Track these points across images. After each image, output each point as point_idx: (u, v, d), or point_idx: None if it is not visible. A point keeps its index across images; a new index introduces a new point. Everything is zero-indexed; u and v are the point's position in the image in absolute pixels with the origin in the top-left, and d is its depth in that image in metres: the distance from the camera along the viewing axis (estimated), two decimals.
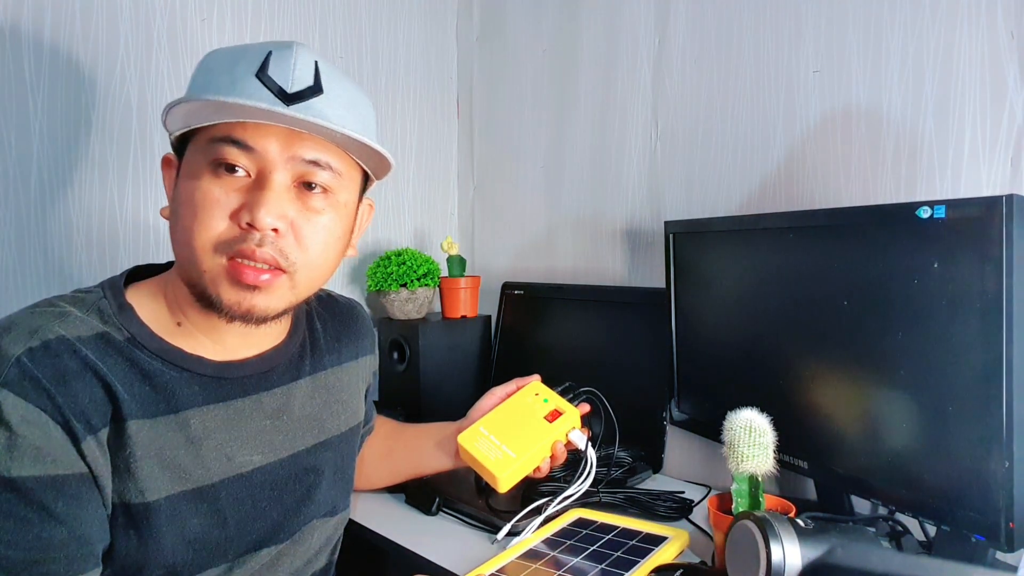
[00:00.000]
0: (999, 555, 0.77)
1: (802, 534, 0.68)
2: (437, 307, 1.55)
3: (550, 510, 0.95)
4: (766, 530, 0.67)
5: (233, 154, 0.67)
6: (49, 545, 0.60)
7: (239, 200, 0.67)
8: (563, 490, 0.95)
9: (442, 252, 1.52)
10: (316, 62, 0.69)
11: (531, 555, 0.86)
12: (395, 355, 1.46)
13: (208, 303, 0.69)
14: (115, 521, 0.66)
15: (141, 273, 0.77)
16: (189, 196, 0.67)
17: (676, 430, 1.17)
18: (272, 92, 0.66)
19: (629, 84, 1.35)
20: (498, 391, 1.00)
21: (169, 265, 0.77)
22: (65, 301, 0.69)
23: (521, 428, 0.93)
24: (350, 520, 1.01)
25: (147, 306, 0.72)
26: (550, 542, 0.90)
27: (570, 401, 0.97)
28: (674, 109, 1.28)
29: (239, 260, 0.66)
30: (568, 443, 0.94)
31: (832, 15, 1.05)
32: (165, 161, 0.74)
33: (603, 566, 0.81)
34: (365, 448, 1.05)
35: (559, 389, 0.99)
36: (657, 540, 0.88)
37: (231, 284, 0.67)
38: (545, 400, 0.96)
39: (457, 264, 1.50)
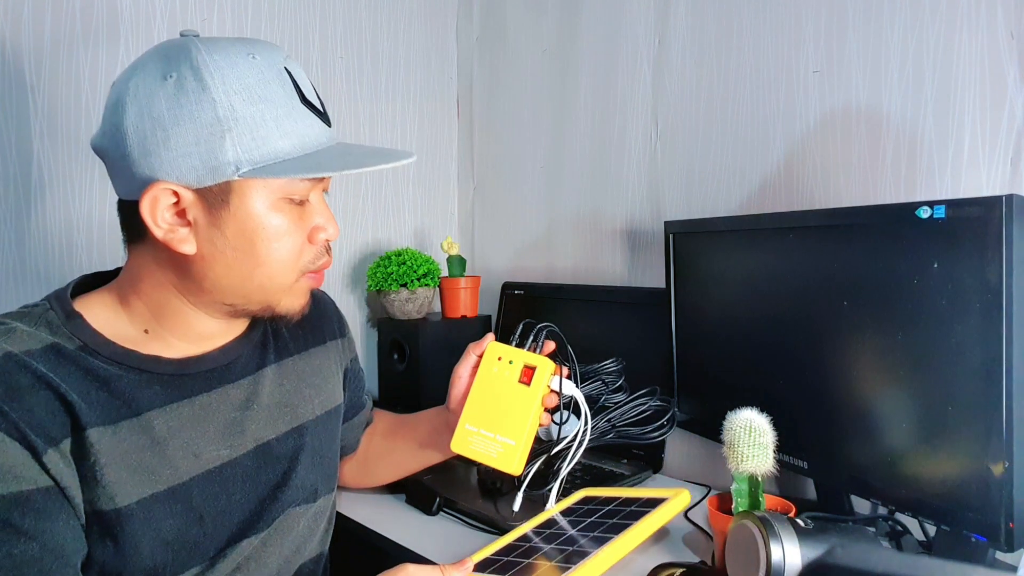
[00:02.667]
0: (999, 555, 0.77)
1: (802, 534, 0.68)
2: (437, 307, 1.55)
3: (555, 452, 0.95)
4: (766, 530, 0.67)
5: (309, 187, 0.72)
6: (21, 562, 0.59)
7: (309, 222, 0.73)
8: (566, 447, 0.95)
9: (442, 252, 1.52)
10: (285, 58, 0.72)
11: (529, 536, 0.85)
12: (395, 355, 1.46)
13: (258, 314, 0.75)
14: (90, 530, 0.65)
15: (88, 283, 0.76)
16: (264, 230, 0.69)
17: (676, 430, 1.17)
18: (319, 118, 0.71)
19: (629, 84, 1.35)
20: (461, 372, 0.94)
21: (116, 272, 0.76)
22: (11, 317, 0.68)
23: (504, 407, 0.88)
24: (350, 520, 1.02)
25: (99, 314, 0.71)
26: (550, 522, 0.88)
27: (532, 349, 0.93)
28: (674, 109, 1.28)
29: (318, 272, 0.76)
30: (553, 392, 0.91)
31: (832, 15, 1.05)
32: (165, 192, 0.66)
33: (596, 533, 0.80)
34: (368, 447, 1.04)
35: (515, 340, 0.93)
36: (656, 502, 0.84)
37: (307, 293, 0.77)
38: (510, 361, 0.91)
39: (457, 264, 1.50)
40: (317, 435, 0.85)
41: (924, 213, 0.74)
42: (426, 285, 1.46)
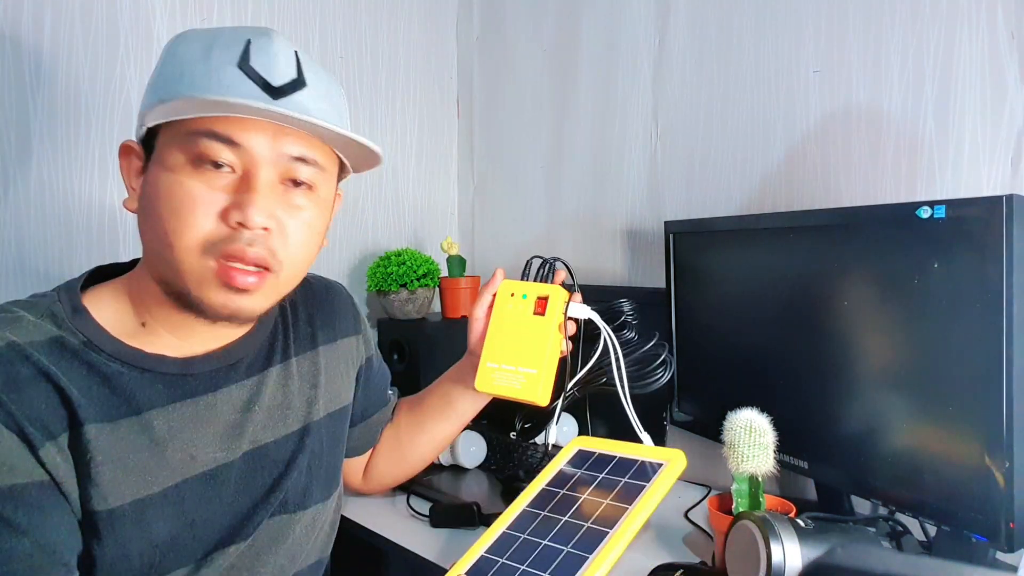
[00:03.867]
0: (999, 555, 0.77)
1: (802, 534, 0.68)
2: (437, 307, 1.55)
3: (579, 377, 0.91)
4: (766, 530, 0.67)
5: (218, 150, 0.64)
6: (11, 557, 0.58)
7: (226, 198, 0.64)
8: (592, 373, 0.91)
9: (442, 252, 1.52)
10: (295, 52, 0.69)
11: (540, 502, 0.81)
12: (395, 355, 1.46)
13: (187, 304, 0.67)
14: (80, 528, 0.64)
15: (104, 273, 0.74)
16: (169, 192, 0.64)
17: (676, 430, 1.17)
18: (257, 85, 0.65)
19: (629, 84, 1.35)
20: (478, 313, 0.93)
21: (133, 264, 0.75)
22: (18, 306, 0.67)
23: (522, 339, 0.87)
24: (351, 520, 1.01)
25: (107, 308, 0.70)
26: (556, 482, 0.84)
27: (543, 280, 0.92)
28: (674, 109, 1.28)
29: (228, 263, 0.65)
30: (570, 319, 0.90)
31: (832, 15, 1.05)
32: (124, 149, 0.70)
33: (608, 500, 0.76)
34: (397, 430, 1.00)
35: (525, 275, 0.93)
36: (655, 468, 0.81)
37: (219, 287, 0.65)
38: (524, 296, 0.90)
39: (457, 264, 1.50)
40: (319, 438, 0.82)
41: (924, 213, 0.74)
42: (426, 285, 1.46)
